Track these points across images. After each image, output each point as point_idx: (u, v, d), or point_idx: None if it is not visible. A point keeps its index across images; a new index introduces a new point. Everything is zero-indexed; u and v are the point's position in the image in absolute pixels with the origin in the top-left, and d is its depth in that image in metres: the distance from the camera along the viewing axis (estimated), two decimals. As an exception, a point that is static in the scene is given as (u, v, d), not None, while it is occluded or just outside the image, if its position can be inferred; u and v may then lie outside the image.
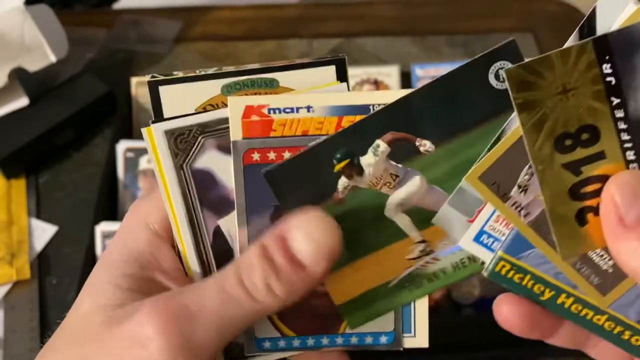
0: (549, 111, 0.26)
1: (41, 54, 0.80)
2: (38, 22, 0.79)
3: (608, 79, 0.25)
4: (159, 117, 0.29)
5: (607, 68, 0.25)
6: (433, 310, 0.73)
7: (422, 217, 0.29)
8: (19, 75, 0.80)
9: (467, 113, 0.28)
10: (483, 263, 0.29)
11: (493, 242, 0.29)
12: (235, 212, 0.29)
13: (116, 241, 0.29)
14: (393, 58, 0.96)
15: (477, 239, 0.29)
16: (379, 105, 0.29)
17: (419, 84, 0.89)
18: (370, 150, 0.28)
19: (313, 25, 1.02)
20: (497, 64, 0.28)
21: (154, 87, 0.29)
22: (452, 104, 0.28)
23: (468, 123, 0.28)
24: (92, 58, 0.91)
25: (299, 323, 0.30)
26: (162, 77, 0.29)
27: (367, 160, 0.28)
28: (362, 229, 0.29)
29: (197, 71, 0.29)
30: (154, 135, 0.29)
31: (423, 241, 0.29)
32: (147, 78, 0.29)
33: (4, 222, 0.77)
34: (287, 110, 0.29)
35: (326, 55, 0.30)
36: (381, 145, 0.28)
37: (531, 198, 0.27)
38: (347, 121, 0.29)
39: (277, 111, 0.29)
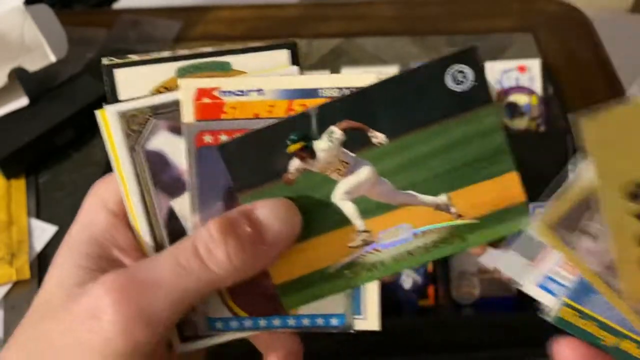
0: (622, 161, 0.26)
1: (41, 54, 0.80)
2: (38, 22, 0.79)
3: None
4: (114, 100, 0.30)
5: None
6: (433, 311, 0.73)
7: (368, 207, 0.30)
8: (19, 75, 0.80)
9: (422, 111, 0.29)
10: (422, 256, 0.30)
11: (557, 288, 0.29)
12: (187, 193, 0.29)
13: (77, 223, 0.30)
14: (393, 58, 0.96)
15: (541, 284, 0.29)
16: (328, 89, 0.29)
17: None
18: (324, 136, 0.29)
19: (313, 25, 1.02)
20: (456, 67, 0.29)
21: (109, 70, 0.29)
22: (408, 101, 0.29)
23: (421, 121, 0.29)
24: (92, 58, 0.91)
25: (252, 304, 0.30)
26: (117, 61, 0.29)
27: (321, 145, 0.29)
28: (308, 212, 0.29)
29: (152, 54, 0.30)
30: (108, 117, 0.29)
31: (366, 231, 0.30)
32: (104, 62, 0.29)
33: (4, 222, 0.77)
34: (238, 92, 0.29)
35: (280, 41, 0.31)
36: (336, 132, 0.29)
37: (599, 246, 0.28)
38: (298, 104, 0.29)
39: (228, 94, 0.29)
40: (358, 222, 0.30)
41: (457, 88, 0.29)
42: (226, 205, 0.29)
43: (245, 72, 0.30)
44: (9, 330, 0.69)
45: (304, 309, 0.31)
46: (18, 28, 0.79)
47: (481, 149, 0.29)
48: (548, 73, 0.90)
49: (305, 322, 0.31)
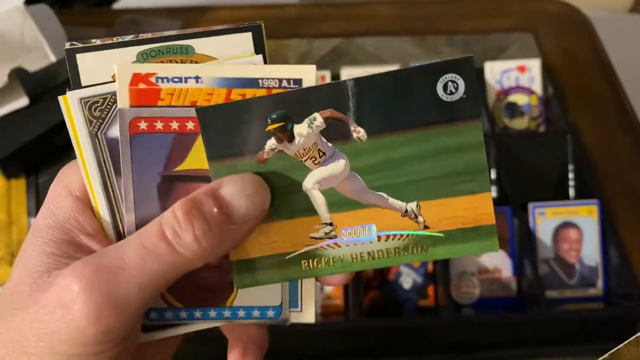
0: None
1: (41, 54, 0.80)
2: (38, 22, 0.79)
3: None
4: (76, 85, 0.29)
5: None
6: (433, 310, 0.73)
7: (336, 200, 0.29)
8: (19, 75, 0.80)
9: (408, 115, 0.28)
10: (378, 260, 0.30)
11: None
12: (121, 180, 0.29)
13: (42, 210, 0.30)
14: (393, 58, 0.96)
15: None
16: (268, 79, 0.29)
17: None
18: (306, 121, 0.28)
19: (313, 25, 1.02)
20: (448, 76, 0.28)
21: (71, 55, 0.29)
22: (396, 102, 0.28)
23: (406, 124, 0.29)
24: (92, 58, 0.91)
25: (187, 295, 0.30)
26: (79, 45, 0.29)
27: (301, 129, 0.28)
28: (275, 195, 0.29)
29: (115, 39, 0.29)
30: (69, 103, 0.29)
31: (330, 224, 0.29)
32: (66, 46, 0.29)
33: (4, 222, 0.77)
34: (176, 79, 0.28)
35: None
36: (318, 118, 0.28)
37: None
38: (237, 94, 0.28)
39: (165, 80, 0.28)
40: (324, 214, 0.29)
41: (447, 98, 0.28)
42: (160, 195, 0.29)
43: (208, 56, 0.29)
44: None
45: (240, 301, 0.30)
46: (18, 28, 0.79)
47: (460, 164, 0.29)
48: (548, 73, 0.90)
49: (241, 313, 0.30)
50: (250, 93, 0.29)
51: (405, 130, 0.29)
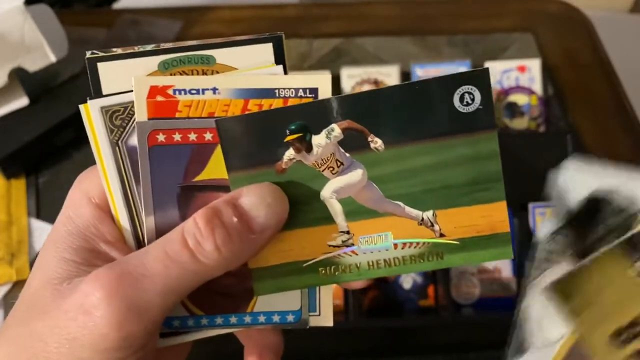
0: (597, 313, 0.27)
1: (41, 54, 0.80)
2: (38, 22, 0.79)
3: None
4: (97, 94, 0.29)
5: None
6: (433, 310, 0.73)
7: (353, 209, 0.30)
8: (19, 75, 0.80)
9: (424, 125, 0.29)
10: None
11: None
12: (140, 193, 0.29)
13: (61, 217, 0.30)
14: (393, 58, 0.96)
15: None
16: (284, 89, 0.29)
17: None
18: (324, 132, 0.29)
19: (313, 25, 1.02)
20: (465, 88, 0.29)
21: (92, 63, 0.29)
22: (414, 113, 0.29)
23: (423, 134, 0.29)
24: (92, 58, 0.91)
25: (208, 302, 0.30)
26: (101, 54, 0.29)
27: (319, 140, 0.29)
28: (294, 204, 0.29)
29: (136, 48, 0.29)
30: (90, 112, 0.29)
31: (347, 232, 0.30)
32: (87, 55, 0.29)
33: (4, 222, 0.77)
34: (193, 91, 0.29)
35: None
36: (336, 129, 0.29)
37: None
38: (253, 104, 0.29)
39: (182, 92, 0.29)
40: (341, 222, 0.30)
41: (463, 109, 0.29)
42: (180, 205, 0.29)
43: (229, 66, 0.30)
44: (9, 330, 0.69)
45: (260, 306, 0.31)
46: (18, 28, 0.79)
47: (476, 173, 0.29)
48: (548, 73, 0.90)
49: (262, 318, 0.31)
50: (267, 103, 0.29)
51: (421, 140, 0.29)
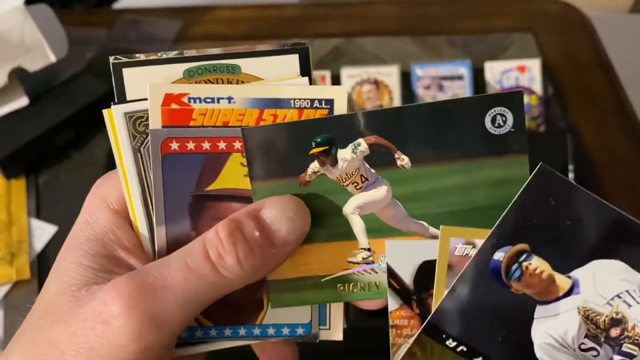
0: None
1: (41, 54, 0.80)
2: (38, 22, 0.79)
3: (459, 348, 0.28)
4: (121, 99, 0.29)
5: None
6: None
7: (375, 226, 0.29)
8: (19, 75, 0.80)
9: (454, 145, 0.28)
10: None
11: None
12: (153, 201, 0.29)
13: (79, 222, 0.30)
14: (393, 58, 0.96)
15: None
16: (299, 99, 0.29)
17: (418, 84, 0.89)
18: (350, 146, 0.29)
19: (313, 25, 1.02)
20: (497, 109, 0.28)
21: (117, 69, 0.29)
22: (443, 132, 0.28)
23: (452, 155, 0.29)
24: (92, 58, 0.91)
25: (217, 313, 0.30)
26: (125, 60, 0.29)
27: (344, 154, 0.29)
28: (315, 218, 0.29)
29: (159, 54, 0.29)
30: (114, 117, 0.29)
31: (368, 249, 0.30)
32: (112, 60, 0.29)
33: (4, 222, 0.77)
34: (208, 100, 0.29)
35: (288, 42, 0.30)
36: (362, 144, 0.28)
37: None
38: (269, 114, 0.29)
39: (197, 100, 0.29)
40: (363, 239, 0.29)
41: (495, 131, 0.28)
42: (191, 215, 0.29)
43: (254, 76, 0.29)
44: (9, 330, 0.69)
45: (269, 319, 0.30)
46: (18, 28, 0.79)
47: (503, 197, 0.29)
48: (548, 73, 0.90)
49: (271, 331, 0.30)
50: (282, 114, 0.29)
51: (450, 160, 0.29)
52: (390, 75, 0.89)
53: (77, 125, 0.83)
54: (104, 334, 0.25)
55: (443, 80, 0.89)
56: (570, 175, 0.81)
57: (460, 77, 0.89)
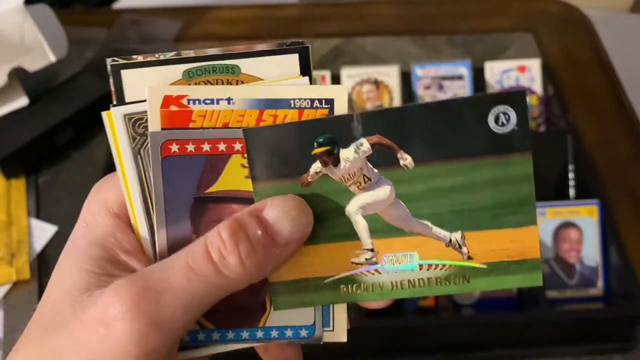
0: None
1: (41, 54, 0.80)
2: (38, 22, 0.79)
3: None
4: (120, 101, 0.29)
5: None
6: (433, 311, 0.73)
7: (378, 226, 0.29)
8: (19, 75, 0.80)
9: (457, 144, 0.28)
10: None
11: None
12: (153, 204, 0.29)
13: (79, 226, 0.29)
14: (393, 58, 0.96)
15: None
16: (299, 99, 0.28)
17: (418, 84, 0.89)
18: (352, 146, 0.28)
19: (313, 25, 1.02)
20: (500, 108, 0.28)
21: (116, 71, 0.29)
22: (446, 131, 0.28)
23: (454, 154, 0.28)
24: (92, 58, 0.91)
25: (219, 316, 0.30)
26: (123, 61, 0.29)
27: (347, 154, 0.28)
28: (317, 218, 0.29)
29: (157, 55, 0.29)
30: (113, 119, 0.29)
31: (371, 250, 0.29)
32: (109, 62, 0.29)
33: (4, 222, 0.77)
34: (207, 101, 0.28)
35: (287, 41, 0.30)
36: (365, 144, 0.28)
37: None
38: (268, 115, 0.28)
39: (196, 102, 0.28)
40: (366, 240, 0.29)
41: (498, 129, 0.28)
42: (192, 217, 0.29)
43: (254, 76, 0.29)
44: (8, 330, 0.69)
45: (272, 321, 0.30)
46: (18, 28, 0.79)
47: (507, 196, 0.28)
48: (548, 73, 0.90)
49: (274, 333, 0.30)
50: (282, 114, 0.29)
51: (453, 159, 0.28)
52: (390, 75, 0.89)
53: (77, 125, 0.83)
54: (106, 339, 0.25)
55: (443, 80, 0.89)
56: (570, 175, 0.81)
57: (460, 77, 0.89)
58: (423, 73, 0.90)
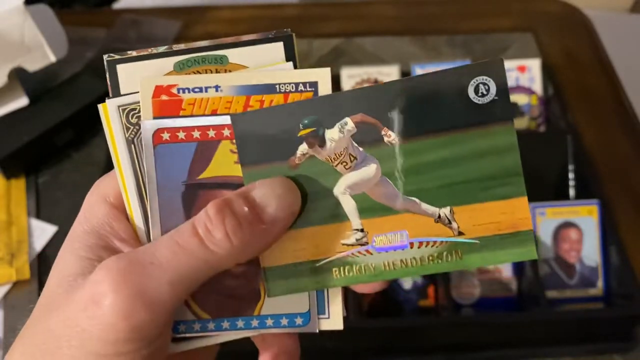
0: None
1: (41, 54, 0.80)
2: (38, 22, 0.79)
3: None
4: (116, 95, 0.30)
5: None
6: (433, 311, 0.73)
7: (367, 206, 0.29)
8: (19, 75, 0.80)
9: (439, 118, 0.28)
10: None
11: None
12: (149, 189, 0.30)
13: (78, 217, 0.30)
14: (393, 58, 0.96)
15: None
16: (284, 84, 0.29)
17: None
18: (337, 126, 0.29)
19: (313, 25, 1.02)
20: (479, 78, 0.28)
21: (112, 66, 0.30)
22: (426, 105, 0.28)
23: (437, 127, 0.28)
24: (92, 58, 0.91)
25: (214, 306, 0.30)
26: (117, 57, 0.30)
27: (332, 134, 0.29)
28: (307, 201, 0.29)
29: (150, 50, 0.30)
30: (108, 110, 0.30)
31: (361, 230, 0.29)
32: (106, 58, 0.30)
33: (4, 222, 0.77)
34: (196, 90, 0.29)
35: (274, 32, 0.31)
36: (349, 123, 0.28)
37: None
38: (255, 100, 0.29)
39: (186, 91, 0.29)
40: (355, 220, 0.29)
41: (479, 100, 0.28)
42: (184, 203, 0.30)
43: (242, 65, 0.30)
44: (8, 330, 0.69)
45: (267, 309, 0.30)
46: (18, 28, 0.79)
47: (494, 167, 0.28)
48: (548, 73, 0.90)
49: (269, 322, 0.30)
50: (268, 99, 0.29)
51: (436, 133, 0.28)
52: (390, 75, 0.89)
53: (76, 125, 0.83)
54: (94, 314, 0.25)
55: (443, 80, 0.89)
56: (570, 175, 0.81)
57: (460, 77, 0.89)
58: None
